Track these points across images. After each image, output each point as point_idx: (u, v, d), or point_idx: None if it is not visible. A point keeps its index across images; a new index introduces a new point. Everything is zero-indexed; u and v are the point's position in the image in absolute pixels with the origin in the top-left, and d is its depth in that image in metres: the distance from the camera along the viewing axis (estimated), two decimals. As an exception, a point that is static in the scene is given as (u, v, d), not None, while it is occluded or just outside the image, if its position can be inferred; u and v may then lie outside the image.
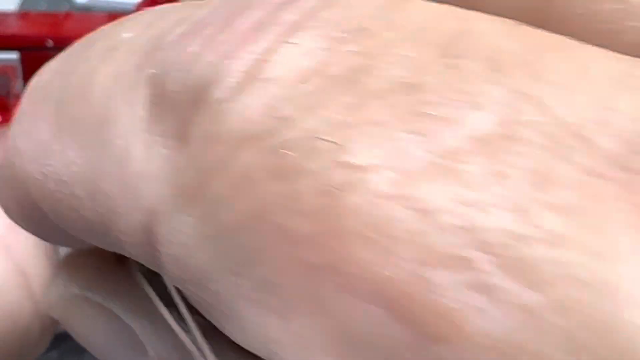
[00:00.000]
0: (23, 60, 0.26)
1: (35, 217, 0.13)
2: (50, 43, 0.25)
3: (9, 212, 0.13)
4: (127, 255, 0.11)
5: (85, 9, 0.46)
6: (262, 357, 0.09)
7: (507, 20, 0.10)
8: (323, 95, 0.09)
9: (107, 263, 0.14)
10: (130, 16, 0.12)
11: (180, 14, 0.11)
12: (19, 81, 0.26)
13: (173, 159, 0.10)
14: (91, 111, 0.11)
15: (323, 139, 0.08)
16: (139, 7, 0.25)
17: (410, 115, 0.09)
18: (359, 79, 0.09)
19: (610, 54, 0.09)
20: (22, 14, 0.26)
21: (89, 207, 0.11)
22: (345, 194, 0.08)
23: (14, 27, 0.26)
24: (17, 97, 0.26)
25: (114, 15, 0.26)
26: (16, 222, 0.14)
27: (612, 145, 0.08)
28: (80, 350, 0.34)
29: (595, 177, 0.08)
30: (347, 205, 0.08)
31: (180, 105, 0.10)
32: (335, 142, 0.08)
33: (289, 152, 0.09)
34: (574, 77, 0.09)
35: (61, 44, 0.25)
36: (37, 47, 0.25)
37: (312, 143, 0.09)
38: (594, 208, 0.08)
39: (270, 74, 0.09)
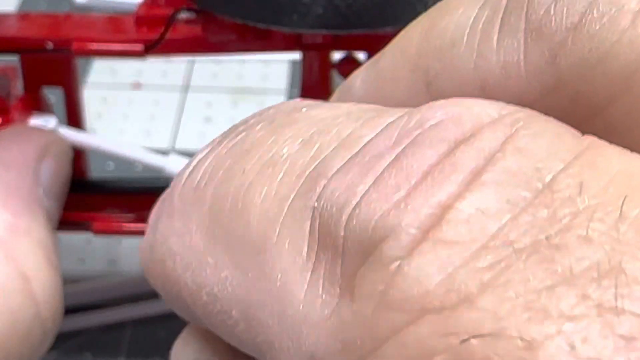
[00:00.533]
0: (23, 62, 0.26)
1: (185, 313, 0.13)
2: (50, 45, 0.25)
3: (157, 290, 0.13)
4: None
5: (85, 9, 0.46)
6: None
7: None
8: (509, 272, 0.08)
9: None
10: (288, 119, 0.12)
11: (341, 131, 0.11)
12: (19, 82, 0.26)
13: (338, 311, 0.09)
14: (248, 233, 0.11)
15: (512, 336, 0.08)
16: (139, 9, 0.25)
17: (609, 312, 0.08)
18: (550, 256, 0.08)
19: None
20: (22, 15, 0.26)
21: (244, 330, 0.11)
22: None
23: (13, 29, 0.26)
24: (18, 98, 0.26)
25: (114, 17, 0.26)
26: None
27: None
28: (80, 350, 0.34)
29: None
30: None
31: (348, 253, 0.09)
32: (526, 340, 0.08)
33: (473, 343, 0.08)
34: None
35: (61, 46, 0.25)
36: (37, 49, 0.25)
37: (499, 337, 0.08)
38: None
39: (448, 236, 0.09)
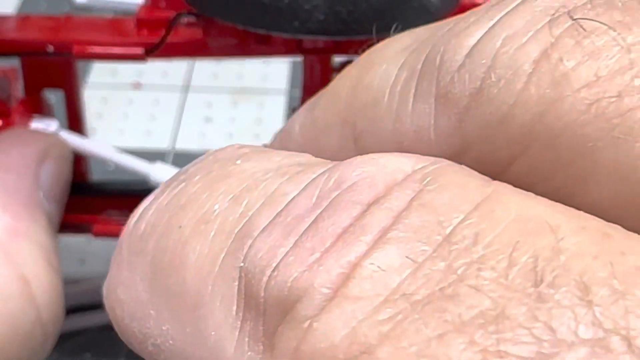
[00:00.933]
0: (23, 65, 0.26)
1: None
2: (51, 49, 0.25)
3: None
4: None
5: (86, 9, 0.46)
6: None
7: (600, 228, 0.09)
8: (406, 325, 0.09)
9: None
10: (224, 171, 0.12)
11: (269, 185, 0.11)
12: (20, 84, 0.26)
13: None
14: (185, 289, 0.11)
15: None
16: (140, 12, 0.25)
17: (494, 356, 0.08)
18: (442, 307, 0.09)
19: None
20: (22, 18, 0.26)
21: None
22: None
23: (14, 32, 0.26)
24: (18, 100, 0.26)
25: (115, 20, 0.26)
26: None
27: None
28: (80, 350, 0.34)
29: None
30: None
31: (268, 313, 0.10)
32: None
33: None
34: None
35: (62, 49, 0.25)
36: (38, 52, 0.25)
37: None
38: None
39: (353, 292, 0.09)
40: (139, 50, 0.25)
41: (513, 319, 0.08)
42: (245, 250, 0.11)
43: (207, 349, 0.11)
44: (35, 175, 0.23)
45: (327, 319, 0.09)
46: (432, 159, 0.11)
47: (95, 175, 0.29)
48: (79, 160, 0.27)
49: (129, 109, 0.42)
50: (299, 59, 0.26)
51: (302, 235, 0.10)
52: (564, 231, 0.09)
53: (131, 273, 0.13)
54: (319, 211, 0.10)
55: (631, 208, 0.10)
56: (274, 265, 0.10)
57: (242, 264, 0.11)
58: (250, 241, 0.11)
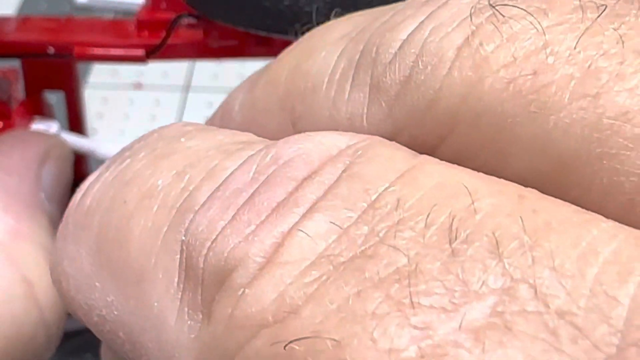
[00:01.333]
0: (24, 66, 0.26)
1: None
2: (51, 50, 0.25)
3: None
4: None
5: (86, 9, 0.46)
6: None
7: (516, 191, 0.10)
8: (328, 284, 0.09)
9: None
10: (168, 148, 0.13)
11: (209, 163, 0.12)
12: (20, 86, 0.26)
13: (200, 335, 0.11)
14: (129, 263, 0.12)
15: (325, 337, 0.09)
16: (140, 13, 0.25)
17: (407, 307, 0.09)
18: (362, 266, 0.09)
19: (628, 230, 0.09)
20: (23, 19, 0.26)
21: (130, 349, 0.12)
22: None
23: (15, 34, 0.26)
24: (19, 102, 0.26)
25: (115, 21, 0.26)
26: None
27: (607, 336, 0.08)
28: (80, 350, 0.34)
29: None
30: None
31: (207, 282, 0.11)
32: (335, 340, 0.09)
33: (296, 347, 0.09)
34: (577, 261, 0.09)
35: (63, 50, 0.25)
36: (39, 54, 0.25)
37: (315, 340, 0.09)
38: None
39: (283, 259, 0.10)
40: (139, 52, 0.25)
41: (427, 273, 0.09)
42: (186, 224, 0.11)
43: (150, 320, 0.11)
44: (36, 177, 0.23)
45: (258, 285, 0.10)
46: (366, 136, 0.11)
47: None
48: (79, 161, 0.27)
49: (130, 109, 0.43)
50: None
51: (239, 209, 0.11)
52: (481, 193, 0.10)
53: (77, 246, 0.13)
54: (256, 186, 0.11)
55: (548, 178, 0.10)
56: (213, 237, 0.11)
57: (183, 238, 0.11)
58: (191, 215, 0.11)
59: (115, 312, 0.12)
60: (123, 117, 0.42)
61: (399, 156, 0.11)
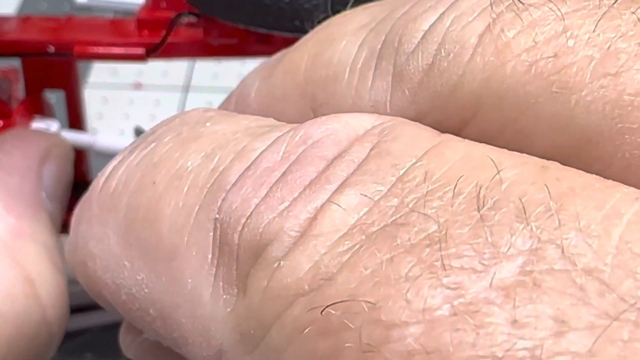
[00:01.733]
0: (24, 65, 0.26)
1: (107, 306, 0.14)
2: (51, 49, 0.25)
3: (80, 282, 0.15)
4: None
5: (86, 9, 0.46)
6: None
7: (538, 162, 0.10)
8: (362, 252, 0.10)
9: None
10: (194, 132, 0.13)
11: (237, 144, 0.12)
12: (21, 85, 0.26)
13: (235, 308, 0.11)
14: (160, 241, 0.12)
15: (361, 300, 0.09)
16: (140, 12, 0.25)
17: (439, 269, 0.09)
18: (394, 234, 0.10)
19: None
20: (23, 19, 0.26)
21: (161, 326, 0.12)
22: (382, 350, 0.09)
23: (15, 33, 0.26)
24: (19, 101, 0.26)
25: (115, 20, 0.26)
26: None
27: (633, 290, 0.09)
28: (80, 350, 0.34)
29: (612, 320, 0.08)
30: None
31: (242, 257, 0.11)
32: (371, 302, 0.09)
33: (332, 312, 0.10)
34: (602, 222, 0.09)
35: (63, 49, 0.25)
36: (39, 53, 0.25)
37: (351, 303, 0.09)
38: (609, 352, 0.08)
39: (316, 231, 0.10)
40: (139, 51, 0.25)
41: (456, 237, 0.09)
42: (219, 203, 0.12)
43: (184, 296, 0.12)
44: (37, 176, 0.23)
45: (293, 257, 0.10)
46: (390, 117, 0.12)
47: (96, 175, 0.29)
48: (79, 161, 0.27)
49: (130, 109, 0.43)
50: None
51: (272, 186, 0.11)
52: (505, 165, 0.10)
53: (103, 227, 0.13)
54: (286, 165, 0.11)
55: (570, 155, 0.11)
56: (247, 214, 0.11)
57: (216, 216, 0.12)
58: (223, 194, 0.12)
59: (146, 290, 0.12)
60: (123, 117, 0.42)
61: (423, 134, 0.11)
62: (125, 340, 0.16)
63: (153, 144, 0.14)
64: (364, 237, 0.10)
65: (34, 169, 0.23)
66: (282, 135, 0.12)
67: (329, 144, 0.11)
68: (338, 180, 0.11)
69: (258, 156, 0.12)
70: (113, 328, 0.35)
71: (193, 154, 0.13)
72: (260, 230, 0.11)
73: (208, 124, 0.13)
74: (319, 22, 0.21)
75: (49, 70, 0.26)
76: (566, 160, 0.11)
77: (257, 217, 0.11)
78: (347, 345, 0.09)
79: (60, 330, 0.21)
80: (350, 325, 0.09)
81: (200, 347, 0.12)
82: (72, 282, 0.22)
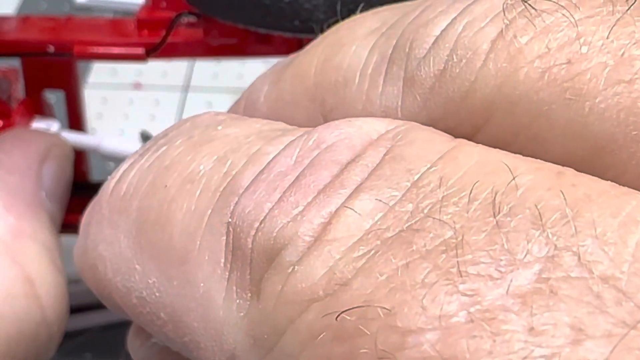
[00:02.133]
0: (24, 65, 0.26)
1: (116, 309, 0.14)
2: (51, 49, 0.25)
3: (89, 286, 0.14)
4: None
5: (86, 9, 0.46)
6: None
7: (553, 168, 0.10)
8: (377, 258, 0.10)
9: None
10: (206, 136, 0.13)
11: (250, 148, 0.12)
12: (20, 85, 0.27)
13: (249, 312, 0.11)
14: (172, 245, 0.12)
15: (376, 306, 0.09)
16: (140, 12, 0.25)
17: (455, 276, 0.09)
18: (409, 240, 0.10)
19: None
20: (23, 19, 0.26)
21: (172, 330, 0.12)
22: (397, 356, 0.09)
23: (15, 33, 0.26)
24: (19, 101, 0.26)
25: (115, 20, 0.26)
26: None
27: None
28: (80, 350, 0.34)
29: (629, 328, 0.08)
30: None
31: (255, 261, 0.11)
32: (386, 308, 0.09)
33: (347, 317, 0.09)
34: (618, 230, 0.09)
35: (63, 49, 0.25)
36: (39, 53, 0.25)
37: (366, 309, 0.09)
38: None
39: (331, 236, 0.10)
40: (139, 51, 0.25)
41: (472, 243, 0.09)
42: (231, 207, 0.12)
43: (196, 300, 0.12)
44: (37, 175, 0.23)
45: (307, 262, 0.10)
46: (403, 121, 0.12)
47: (95, 175, 0.29)
48: (79, 161, 0.27)
49: (129, 109, 0.43)
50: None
51: (285, 191, 0.11)
52: (520, 170, 0.10)
53: (114, 230, 0.13)
54: (300, 169, 0.11)
55: (584, 162, 0.11)
56: (260, 218, 0.11)
57: (229, 220, 0.11)
58: (236, 198, 0.12)
59: (157, 294, 0.12)
60: (122, 117, 0.42)
61: (437, 139, 0.11)
62: (133, 344, 0.15)
63: (164, 147, 0.14)
64: (379, 242, 0.10)
65: (34, 168, 0.23)
66: (295, 139, 0.12)
67: (343, 148, 0.11)
68: (352, 185, 0.11)
69: (271, 160, 0.12)
70: (113, 328, 0.35)
71: (205, 157, 0.13)
72: (274, 234, 0.11)
73: (220, 128, 0.13)
74: (329, 27, 0.21)
75: (49, 70, 0.26)
76: (579, 167, 0.10)
77: (271, 222, 0.11)
78: (362, 351, 0.09)
79: (60, 330, 0.21)
80: (366, 331, 0.09)
81: (212, 352, 0.11)
82: (72, 282, 0.22)
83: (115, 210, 0.13)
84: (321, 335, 0.10)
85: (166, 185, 0.13)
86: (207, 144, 0.13)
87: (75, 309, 0.32)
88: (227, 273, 0.11)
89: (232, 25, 0.23)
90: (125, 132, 0.41)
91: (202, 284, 0.12)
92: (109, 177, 0.14)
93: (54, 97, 0.28)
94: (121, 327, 0.33)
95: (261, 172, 0.12)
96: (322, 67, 0.14)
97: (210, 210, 0.12)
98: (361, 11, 0.16)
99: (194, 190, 0.12)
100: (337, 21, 0.16)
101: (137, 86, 0.43)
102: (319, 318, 0.10)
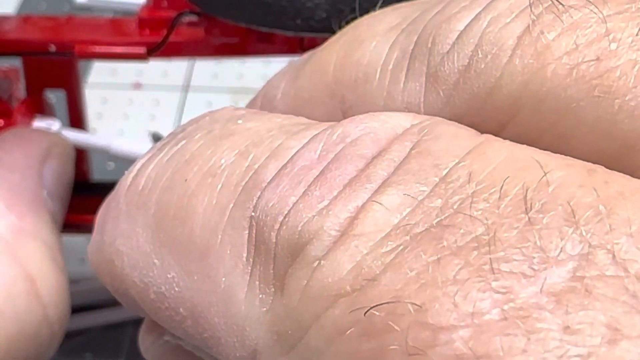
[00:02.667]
0: (25, 65, 0.26)
1: (131, 306, 0.14)
2: (52, 48, 0.25)
3: (104, 282, 0.14)
4: None
5: (86, 9, 0.46)
6: None
7: (585, 166, 0.10)
8: (406, 254, 0.10)
9: None
10: (226, 130, 0.13)
11: (273, 142, 0.12)
12: (21, 85, 0.26)
13: (272, 307, 0.11)
14: (192, 239, 0.12)
15: (407, 302, 0.09)
16: (142, 11, 0.25)
17: (487, 273, 0.09)
18: (439, 235, 0.10)
19: None
20: (24, 18, 0.26)
21: (191, 325, 0.12)
22: (429, 353, 0.09)
23: (16, 32, 0.26)
24: (20, 100, 0.26)
25: (116, 20, 0.26)
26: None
27: None
28: (80, 350, 0.34)
29: None
30: None
31: (279, 255, 0.11)
32: (417, 304, 0.09)
33: (376, 313, 0.09)
34: None
35: (64, 48, 0.25)
36: (40, 52, 0.25)
37: (396, 305, 0.09)
38: None
39: (358, 231, 0.10)
40: (141, 50, 0.25)
41: (504, 240, 0.09)
42: (254, 201, 0.11)
43: (217, 295, 0.11)
44: (38, 174, 0.23)
45: (334, 257, 0.10)
46: (427, 116, 0.12)
47: (95, 174, 0.29)
48: (80, 160, 0.27)
49: (129, 109, 0.43)
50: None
51: (310, 184, 0.11)
52: (551, 167, 0.10)
53: (132, 225, 0.13)
54: (325, 163, 0.11)
55: (612, 160, 0.11)
56: (285, 212, 0.11)
57: (252, 214, 0.11)
58: (259, 192, 0.11)
59: (177, 288, 0.12)
60: (122, 116, 0.42)
61: (464, 134, 0.11)
62: (145, 341, 0.15)
63: (183, 142, 0.13)
64: (408, 237, 0.10)
65: (35, 167, 0.23)
66: (318, 133, 0.12)
67: (368, 142, 0.11)
68: (379, 179, 0.11)
69: (295, 154, 0.12)
70: (113, 328, 0.35)
71: (226, 151, 0.12)
72: (299, 228, 0.11)
73: (240, 122, 0.13)
74: (320, 21, 0.21)
75: (50, 69, 0.26)
76: (608, 166, 0.10)
77: (296, 216, 0.11)
78: (392, 347, 0.09)
79: (61, 329, 0.21)
80: (396, 327, 0.09)
81: (233, 347, 0.11)
82: (72, 281, 0.22)
83: (133, 205, 0.13)
84: (349, 331, 0.10)
85: (186, 179, 0.12)
86: (228, 138, 0.13)
87: (75, 309, 0.32)
88: (249, 267, 0.11)
89: (234, 24, 0.23)
90: (125, 132, 0.41)
91: (223, 279, 0.11)
92: (125, 172, 0.14)
93: (53, 98, 0.28)
94: (121, 327, 0.33)
95: (284, 166, 0.12)
96: (342, 64, 0.14)
97: (232, 204, 0.12)
98: (362, 10, 0.16)
99: (215, 184, 0.12)
100: (354, 18, 0.16)
101: (137, 86, 0.43)
102: (347, 314, 0.10)
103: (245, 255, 0.11)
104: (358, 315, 0.09)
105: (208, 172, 0.12)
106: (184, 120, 0.47)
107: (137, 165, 0.14)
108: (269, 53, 0.25)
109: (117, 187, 0.14)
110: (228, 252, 0.11)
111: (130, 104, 0.43)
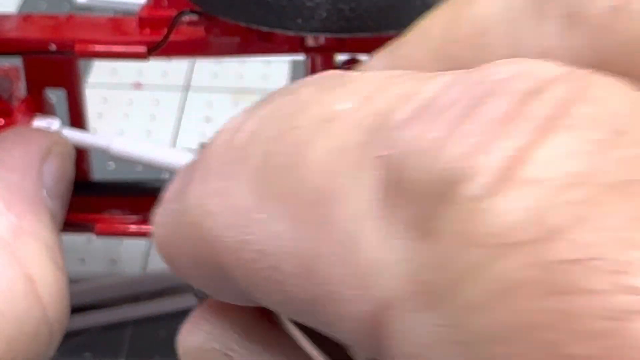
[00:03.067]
0: (25, 64, 0.26)
1: (214, 277, 0.12)
2: (53, 47, 0.25)
3: (173, 264, 0.13)
4: (333, 335, 0.11)
5: (86, 9, 0.46)
6: None
7: None
8: (599, 206, 0.09)
9: (252, 320, 0.14)
10: (339, 81, 0.12)
11: (400, 88, 0.11)
12: (22, 84, 0.26)
13: (414, 254, 0.10)
14: (306, 186, 0.11)
15: (605, 259, 0.08)
16: (142, 10, 0.25)
17: None
18: (633, 191, 0.08)
19: None
20: (24, 17, 0.26)
21: (297, 284, 0.11)
22: (631, 321, 0.08)
23: (16, 31, 0.26)
24: (20, 99, 0.26)
25: (117, 19, 0.26)
26: (181, 274, 0.13)
27: None
28: (80, 350, 0.34)
29: None
30: (633, 335, 0.08)
31: (423, 196, 0.10)
32: (615, 265, 0.08)
33: (567, 269, 0.08)
34: None
35: (64, 47, 0.25)
36: (40, 51, 0.25)
37: (592, 262, 0.08)
38: None
39: (532, 175, 0.09)
40: (141, 49, 0.25)
41: None
42: (386, 141, 0.10)
43: (339, 244, 0.10)
44: (38, 174, 0.23)
45: (501, 200, 0.09)
46: (573, 68, 0.10)
47: (96, 174, 0.29)
48: (80, 160, 0.27)
49: (129, 109, 0.42)
50: (299, 58, 0.26)
51: (454, 120, 0.10)
52: None
53: (226, 182, 0.12)
54: (470, 99, 0.10)
55: None
56: (427, 149, 0.10)
57: (384, 153, 0.10)
58: (391, 132, 0.10)
59: (283, 243, 0.11)
60: (123, 116, 0.42)
61: (623, 86, 0.10)
62: (186, 342, 0.14)
63: (289, 95, 0.12)
64: (599, 188, 0.09)
65: (35, 166, 0.23)
66: (455, 77, 0.10)
67: (521, 78, 0.10)
68: (542, 117, 0.09)
69: (431, 95, 0.10)
70: (113, 328, 0.35)
71: (343, 97, 0.11)
72: (448, 166, 0.09)
73: (353, 74, 0.12)
74: (321, 20, 0.21)
75: (51, 68, 0.26)
76: None
77: (442, 151, 0.09)
78: (584, 310, 0.08)
79: (61, 329, 0.21)
80: (592, 287, 0.08)
81: (353, 302, 0.10)
82: (72, 281, 0.22)
83: (228, 161, 0.12)
84: (525, 287, 0.08)
85: (296, 127, 0.11)
86: (344, 87, 0.11)
87: (75, 309, 0.32)
88: (381, 211, 0.10)
89: (234, 23, 0.23)
90: (125, 132, 0.41)
91: (346, 224, 0.10)
92: (215, 132, 0.13)
93: (54, 97, 0.28)
94: (121, 327, 0.33)
95: (418, 107, 0.10)
96: (452, 24, 0.13)
97: (355, 146, 0.10)
98: (362, 9, 0.16)
99: (333, 129, 0.11)
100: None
101: (137, 86, 0.43)
102: (523, 266, 0.08)
103: (376, 196, 0.10)
104: (540, 271, 0.08)
105: (324, 118, 0.11)
106: (184, 120, 0.47)
107: (232, 124, 0.13)
108: (269, 52, 0.25)
109: (199, 151, 0.13)
110: (354, 195, 0.10)
111: (130, 103, 0.43)
